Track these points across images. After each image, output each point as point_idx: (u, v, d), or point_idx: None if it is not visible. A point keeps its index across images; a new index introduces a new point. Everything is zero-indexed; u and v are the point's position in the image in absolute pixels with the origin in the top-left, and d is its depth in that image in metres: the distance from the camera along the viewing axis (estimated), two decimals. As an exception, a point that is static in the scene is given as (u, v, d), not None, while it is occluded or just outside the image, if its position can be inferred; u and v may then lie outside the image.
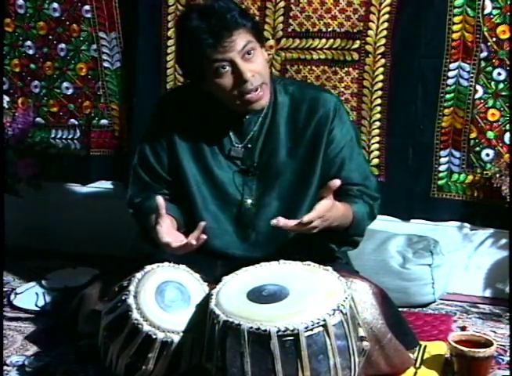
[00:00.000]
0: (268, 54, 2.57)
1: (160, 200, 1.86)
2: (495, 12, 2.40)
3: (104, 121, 2.87)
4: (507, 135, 2.46)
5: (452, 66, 2.48)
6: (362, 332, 1.69)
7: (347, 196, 2.01)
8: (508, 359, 2.07)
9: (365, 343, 1.68)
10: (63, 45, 2.85)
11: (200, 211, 2.08)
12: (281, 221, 1.78)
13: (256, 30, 1.98)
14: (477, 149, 2.51)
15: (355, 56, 2.55)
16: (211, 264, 2.06)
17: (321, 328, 1.60)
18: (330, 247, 2.05)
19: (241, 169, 2.07)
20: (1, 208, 2.36)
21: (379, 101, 2.57)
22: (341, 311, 1.63)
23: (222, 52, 1.90)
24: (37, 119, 2.91)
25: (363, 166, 2.10)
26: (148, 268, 1.82)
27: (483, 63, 2.45)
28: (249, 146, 2.07)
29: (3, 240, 2.37)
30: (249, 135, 2.06)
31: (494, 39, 2.41)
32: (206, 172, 2.08)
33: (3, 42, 2.86)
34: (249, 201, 2.07)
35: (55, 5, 2.82)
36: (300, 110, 2.05)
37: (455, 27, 2.44)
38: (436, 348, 2.07)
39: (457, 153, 2.54)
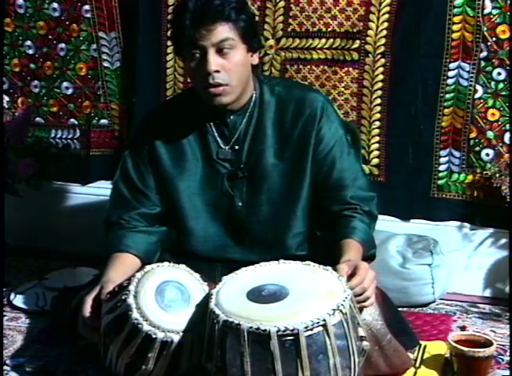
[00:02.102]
0: (268, 54, 2.59)
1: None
2: (495, 12, 2.40)
3: (104, 121, 2.87)
4: (507, 135, 2.46)
5: (451, 66, 2.48)
6: (361, 332, 1.69)
7: (343, 219, 1.97)
8: (508, 359, 2.07)
9: (365, 343, 1.68)
10: (62, 45, 2.85)
11: (190, 220, 2.07)
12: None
13: (246, 31, 1.92)
14: (477, 149, 2.51)
15: (355, 55, 2.55)
16: (211, 267, 2.05)
17: (321, 328, 1.59)
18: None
19: (230, 171, 2.05)
20: (2, 208, 2.35)
21: (379, 101, 2.57)
22: (341, 311, 1.62)
23: (197, 37, 1.87)
24: (37, 119, 2.91)
25: (355, 166, 2.07)
26: (148, 268, 1.82)
27: (483, 63, 2.45)
28: (236, 147, 2.04)
29: (3, 240, 2.36)
30: (235, 136, 2.04)
31: (494, 39, 2.41)
32: (195, 182, 2.05)
33: (3, 42, 2.86)
34: (239, 204, 2.05)
35: (55, 5, 2.82)
36: (286, 111, 2.02)
37: (455, 27, 2.44)
38: (436, 348, 2.07)
39: (457, 153, 2.54)
